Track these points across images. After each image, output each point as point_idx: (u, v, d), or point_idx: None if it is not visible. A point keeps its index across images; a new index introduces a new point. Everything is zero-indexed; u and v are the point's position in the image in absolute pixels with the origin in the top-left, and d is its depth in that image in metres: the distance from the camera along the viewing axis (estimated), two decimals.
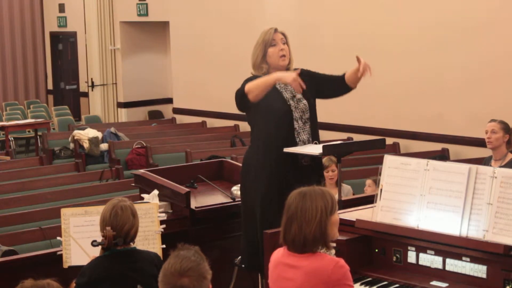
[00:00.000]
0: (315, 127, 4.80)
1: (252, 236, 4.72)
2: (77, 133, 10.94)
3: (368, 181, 6.70)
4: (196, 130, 12.17)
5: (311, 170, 4.72)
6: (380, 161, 4.05)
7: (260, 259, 4.63)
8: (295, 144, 4.66)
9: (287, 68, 4.78)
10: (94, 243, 3.75)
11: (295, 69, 4.75)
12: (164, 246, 4.31)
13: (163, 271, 2.75)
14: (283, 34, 4.77)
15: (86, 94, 15.25)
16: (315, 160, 4.74)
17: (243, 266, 4.95)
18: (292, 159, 4.64)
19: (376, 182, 6.51)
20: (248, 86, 4.54)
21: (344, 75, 4.85)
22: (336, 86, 4.86)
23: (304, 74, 4.80)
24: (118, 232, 3.71)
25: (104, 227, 3.71)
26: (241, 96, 4.60)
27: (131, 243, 3.81)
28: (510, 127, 5.87)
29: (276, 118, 4.62)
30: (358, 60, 4.68)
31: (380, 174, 3.97)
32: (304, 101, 4.75)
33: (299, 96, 4.74)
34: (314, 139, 4.77)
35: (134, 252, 3.80)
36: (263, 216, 4.61)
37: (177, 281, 2.70)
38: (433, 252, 3.72)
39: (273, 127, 4.61)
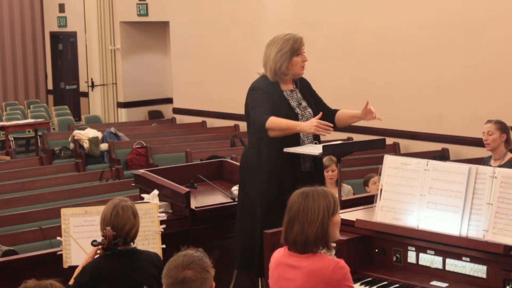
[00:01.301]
0: (317, 136, 4.78)
1: (248, 237, 4.71)
2: (77, 133, 10.94)
3: (374, 179, 6.66)
4: (196, 130, 12.17)
5: (311, 176, 4.71)
6: (380, 161, 4.05)
7: (255, 260, 4.63)
8: None
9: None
10: (94, 243, 3.76)
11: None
12: (164, 246, 4.31)
13: (166, 266, 2.77)
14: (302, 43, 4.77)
15: (86, 94, 15.25)
16: (316, 166, 4.75)
17: (236, 268, 4.94)
18: (293, 163, 4.64)
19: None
20: (270, 125, 4.48)
21: (336, 110, 4.87)
22: (323, 116, 4.85)
23: (305, 84, 4.85)
24: (119, 232, 3.72)
25: (105, 226, 3.71)
26: (260, 128, 4.55)
27: (131, 243, 3.81)
28: (507, 126, 5.86)
29: None
30: (366, 105, 4.65)
31: (380, 174, 3.97)
32: (309, 110, 4.76)
33: (304, 104, 4.75)
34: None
35: (135, 252, 3.80)
36: (264, 217, 4.60)
37: (180, 274, 2.71)
38: (433, 252, 3.72)
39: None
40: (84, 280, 3.69)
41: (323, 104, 4.91)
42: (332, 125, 4.51)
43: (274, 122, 4.50)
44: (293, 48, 4.66)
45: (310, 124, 4.47)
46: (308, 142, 4.72)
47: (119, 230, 3.72)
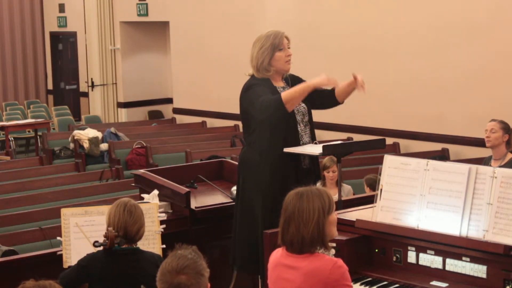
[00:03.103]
0: (313, 130, 4.85)
1: (249, 237, 4.71)
2: (77, 133, 10.94)
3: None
4: (196, 130, 12.17)
5: (310, 172, 4.75)
6: (380, 161, 4.05)
7: (257, 261, 4.62)
8: (298, 146, 4.68)
9: (283, 73, 4.83)
10: (96, 244, 3.76)
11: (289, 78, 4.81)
12: (164, 246, 4.31)
13: (160, 270, 2.76)
14: (287, 39, 4.78)
15: (86, 94, 15.25)
16: (313, 162, 4.77)
17: (236, 268, 4.94)
18: (294, 161, 4.65)
19: (367, 184, 6.48)
20: (286, 98, 4.46)
21: (333, 89, 4.87)
22: (324, 98, 4.89)
23: (296, 80, 4.87)
24: (130, 229, 3.73)
25: (119, 224, 3.72)
26: (277, 108, 4.48)
27: (134, 244, 3.83)
28: (510, 127, 5.87)
29: (281, 122, 4.62)
30: (355, 77, 4.67)
31: (380, 174, 3.97)
32: (303, 104, 4.78)
33: None
34: (313, 141, 4.81)
35: (136, 251, 3.81)
36: (266, 215, 4.60)
37: (174, 279, 2.71)
38: (433, 252, 3.72)
39: (278, 130, 4.61)
40: (83, 272, 3.72)
41: (321, 90, 4.89)
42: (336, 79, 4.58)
43: (288, 94, 4.51)
44: (273, 43, 4.71)
45: (322, 78, 4.53)
46: (306, 137, 4.74)
47: (130, 227, 3.73)
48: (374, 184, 5.87)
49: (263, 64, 4.72)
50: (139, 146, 10.53)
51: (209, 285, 2.78)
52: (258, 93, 4.62)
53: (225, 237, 5.19)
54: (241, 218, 4.79)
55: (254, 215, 4.68)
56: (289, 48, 4.76)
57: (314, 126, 4.89)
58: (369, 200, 4.32)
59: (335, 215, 3.28)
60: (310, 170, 4.75)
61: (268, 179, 4.63)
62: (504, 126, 5.83)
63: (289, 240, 3.21)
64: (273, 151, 4.63)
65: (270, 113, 4.53)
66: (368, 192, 6.53)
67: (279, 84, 4.81)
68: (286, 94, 4.50)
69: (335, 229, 3.28)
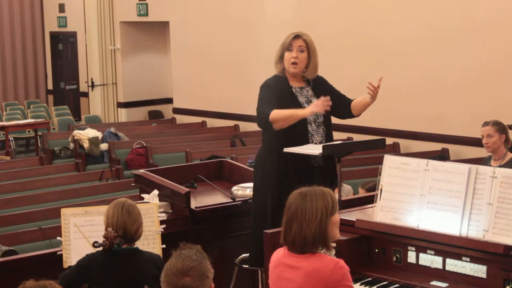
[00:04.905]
0: (329, 130, 4.82)
1: (259, 234, 4.72)
2: (77, 133, 10.94)
3: (361, 190, 6.64)
4: (196, 130, 12.17)
5: (323, 170, 4.71)
6: (380, 161, 4.05)
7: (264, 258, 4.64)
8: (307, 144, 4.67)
9: (303, 76, 4.82)
10: (95, 244, 3.76)
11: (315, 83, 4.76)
12: (164, 246, 4.31)
13: (165, 271, 2.75)
14: (306, 41, 4.77)
15: (86, 94, 15.26)
16: (327, 161, 4.73)
17: (246, 266, 4.96)
18: (303, 159, 4.64)
19: (369, 191, 6.44)
20: (274, 117, 4.55)
21: (351, 102, 4.88)
22: (342, 108, 4.89)
23: (320, 81, 4.87)
24: (129, 228, 3.73)
25: (117, 224, 3.72)
26: (265, 123, 4.62)
27: (134, 243, 3.83)
28: (504, 126, 5.86)
29: None
30: (379, 81, 4.69)
31: (380, 174, 3.97)
32: None
33: (314, 100, 4.76)
34: (328, 141, 4.76)
35: (136, 251, 3.81)
36: (274, 216, 4.60)
37: (179, 281, 2.70)
38: (433, 252, 3.72)
39: (287, 129, 4.61)
40: (82, 272, 3.72)
41: (342, 98, 4.91)
42: (329, 100, 4.53)
43: (277, 113, 4.56)
44: (284, 42, 4.78)
45: (309, 107, 4.51)
46: (318, 137, 4.72)
47: (129, 226, 3.73)
48: (374, 190, 5.85)
49: (275, 60, 4.80)
50: (139, 146, 10.53)
51: (212, 285, 2.78)
52: (263, 98, 4.70)
53: (225, 237, 5.20)
54: (254, 216, 4.83)
55: (264, 213, 4.71)
56: (302, 51, 4.74)
57: (331, 127, 4.86)
58: (369, 200, 4.32)
59: (338, 216, 3.28)
60: (323, 168, 4.71)
61: (276, 176, 4.64)
62: (499, 128, 5.80)
63: (291, 239, 3.21)
64: (280, 148, 4.62)
65: (262, 126, 4.72)
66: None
67: (296, 84, 4.81)
68: (274, 114, 4.55)
69: (338, 230, 3.28)
